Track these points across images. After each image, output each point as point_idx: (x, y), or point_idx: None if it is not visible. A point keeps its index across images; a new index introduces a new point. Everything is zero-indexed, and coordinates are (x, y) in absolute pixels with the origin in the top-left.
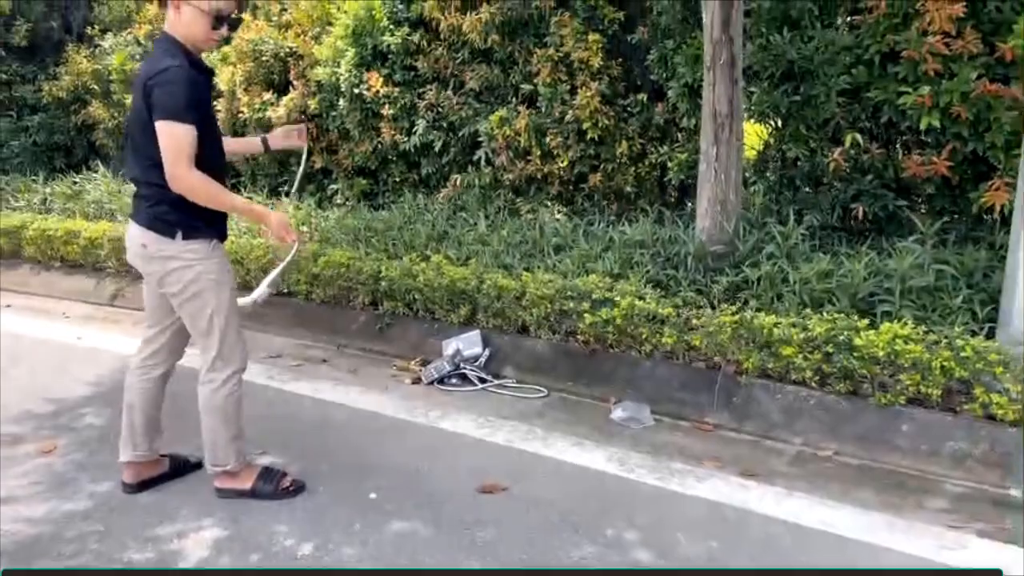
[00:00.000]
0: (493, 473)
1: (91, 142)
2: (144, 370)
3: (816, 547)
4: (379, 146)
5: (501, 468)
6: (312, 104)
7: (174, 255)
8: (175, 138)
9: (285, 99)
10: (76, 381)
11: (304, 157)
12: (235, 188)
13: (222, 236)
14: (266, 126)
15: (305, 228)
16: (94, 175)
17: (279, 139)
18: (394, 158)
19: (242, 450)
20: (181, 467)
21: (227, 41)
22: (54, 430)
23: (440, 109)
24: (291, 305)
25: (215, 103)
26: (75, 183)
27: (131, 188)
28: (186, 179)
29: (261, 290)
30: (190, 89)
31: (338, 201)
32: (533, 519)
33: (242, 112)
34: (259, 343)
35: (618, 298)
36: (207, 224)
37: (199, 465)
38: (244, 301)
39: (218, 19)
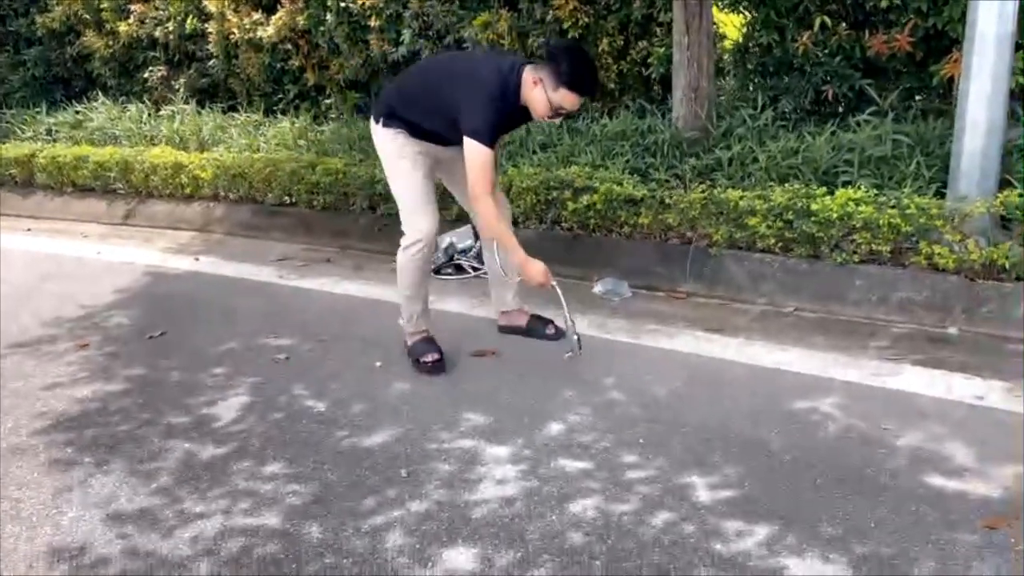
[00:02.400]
0: (485, 341)
1: (88, 72)
2: None
3: (768, 381)
4: (369, 59)
5: (492, 337)
6: (301, 20)
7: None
8: (483, 162)
9: (274, 18)
10: (101, 290)
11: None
12: (232, 109)
13: (414, 133)
14: (257, 46)
15: (302, 141)
16: (94, 104)
17: None
18: (384, 69)
19: (415, 313)
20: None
21: None
22: (86, 330)
23: (426, 17)
24: (294, 214)
25: (206, 25)
26: (77, 112)
27: (132, 113)
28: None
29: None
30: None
31: (332, 115)
32: (521, 374)
33: (233, 33)
34: (266, 249)
35: (598, 185)
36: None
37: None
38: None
39: (558, 113)
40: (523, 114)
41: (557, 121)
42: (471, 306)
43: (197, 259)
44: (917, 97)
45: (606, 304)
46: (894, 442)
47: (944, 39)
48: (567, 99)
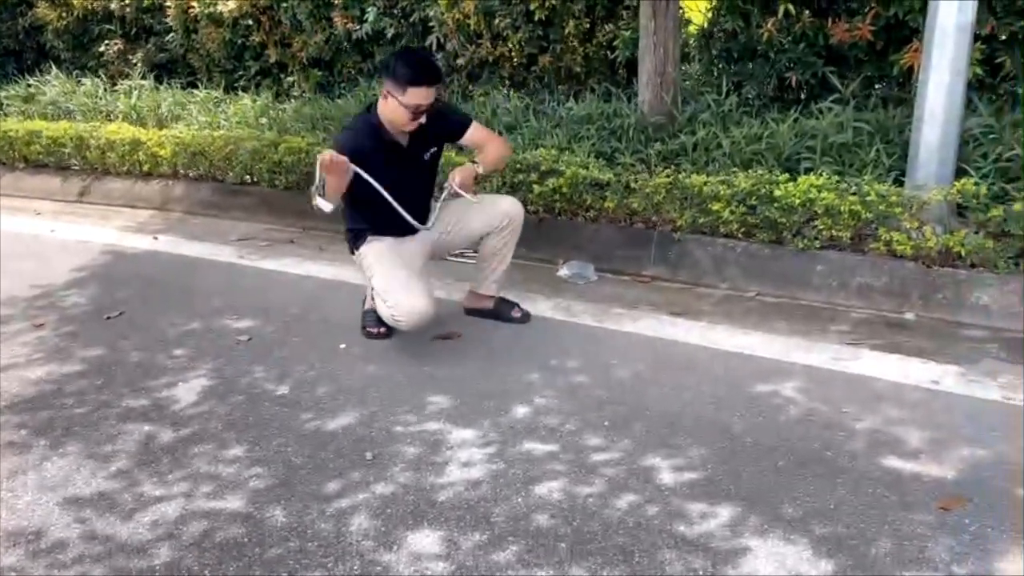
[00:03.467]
0: (450, 324)
1: (40, 45)
2: None
3: (730, 364)
4: (332, 36)
5: (457, 320)
6: None
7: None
8: None
9: None
10: (56, 269)
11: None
12: (191, 85)
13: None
14: (217, 20)
15: (264, 119)
16: (47, 77)
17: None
18: (347, 48)
19: None
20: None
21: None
22: (41, 310)
23: None
24: (255, 193)
25: None
26: (29, 86)
27: (87, 87)
28: None
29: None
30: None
31: (295, 93)
32: (485, 356)
33: (192, 7)
34: (227, 229)
35: (564, 168)
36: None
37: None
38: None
39: (417, 111)
40: (395, 147)
41: (421, 121)
42: (438, 288)
43: (156, 238)
44: (877, 86)
45: (571, 287)
46: (853, 425)
47: (904, 29)
48: (417, 95)
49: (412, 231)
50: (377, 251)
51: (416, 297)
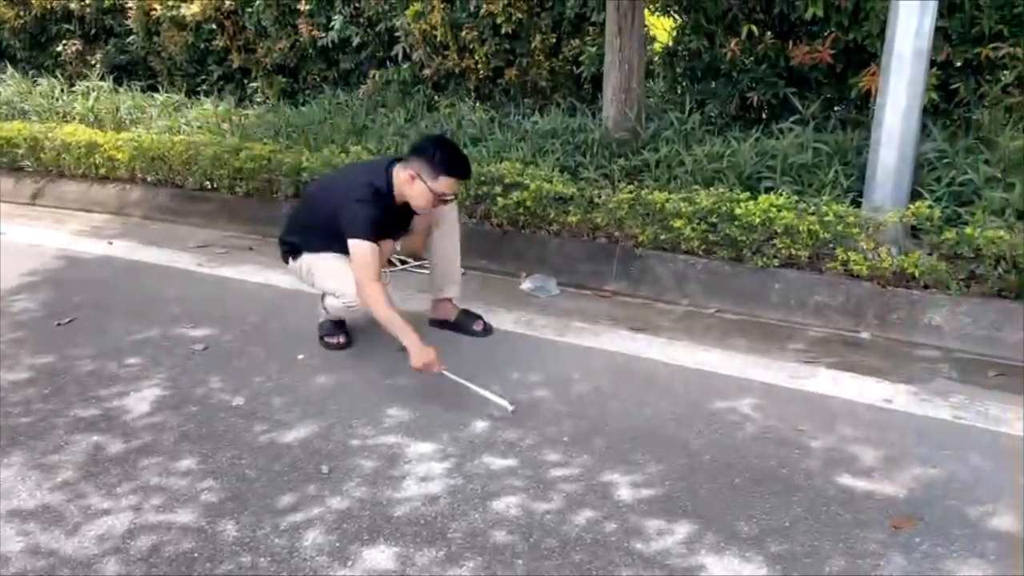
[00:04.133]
0: None
1: None
2: None
3: (689, 380)
4: (297, 43)
5: (419, 332)
6: (227, 0)
7: None
8: (364, 257)
9: None
10: (5, 272)
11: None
12: (151, 88)
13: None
14: (180, 23)
15: (226, 125)
16: (2, 76)
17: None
18: (312, 55)
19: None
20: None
21: None
22: None
23: (357, 4)
24: (215, 200)
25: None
26: None
27: (43, 88)
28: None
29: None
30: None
31: (258, 100)
32: (446, 369)
33: (154, 9)
34: (185, 235)
35: (528, 182)
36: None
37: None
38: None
39: (443, 200)
40: (403, 211)
41: (442, 209)
42: (399, 300)
43: (111, 243)
44: (836, 108)
45: (534, 301)
46: (809, 443)
47: (863, 53)
48: (448, 185)
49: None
50: (312, 260)
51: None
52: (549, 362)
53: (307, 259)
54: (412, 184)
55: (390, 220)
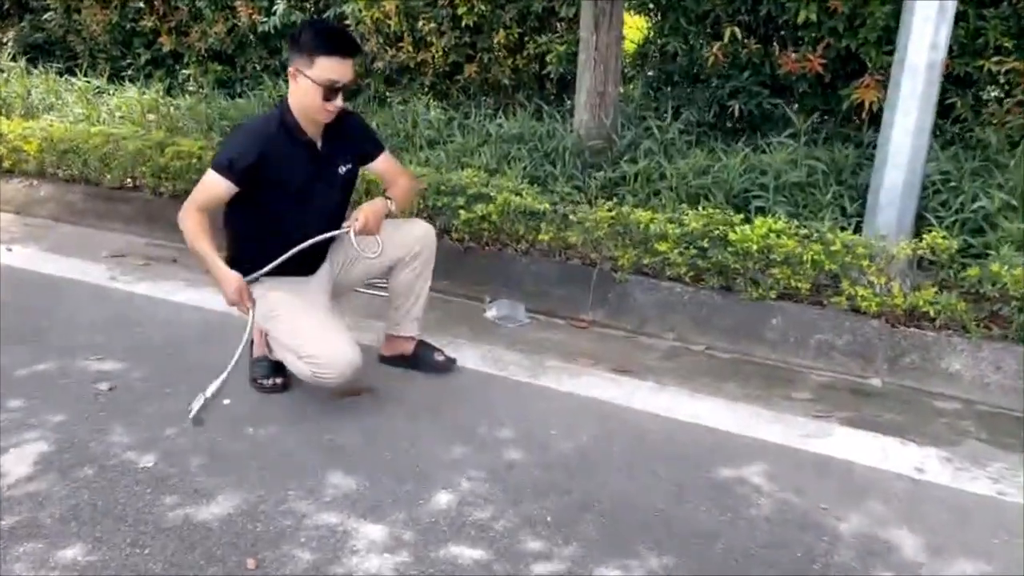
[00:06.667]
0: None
1: None
2: None
3: (686, 438)
4: (236, 27)
5: (366, 369)
6: None
7: None
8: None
9: None
10: None
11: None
12: (70, 71)
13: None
14: (103, 0)
15: (152, 116)
16: None
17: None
18: (253, 41)
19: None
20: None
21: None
22: None
23: None
24: (136, 200)
25: None
26: None
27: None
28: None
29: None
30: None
31: (190, 88)
32: (400, 420)
33: None
34: (99, 242)
35: (495, 194)
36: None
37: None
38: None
39: (331, 90)
40: (309, 147)
41: (338, 105)
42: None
43: (9, 249)
44: (820, 118)
45: (501, 331)
46: (837, 527)
47: (855, 62)
48: (329, 67)
49: (314, 268)
50: (274, 298)
51: (338, 344)
52: (522, 412)
53: (263, 295)
54: (297, 86)
55: (291, 149)
